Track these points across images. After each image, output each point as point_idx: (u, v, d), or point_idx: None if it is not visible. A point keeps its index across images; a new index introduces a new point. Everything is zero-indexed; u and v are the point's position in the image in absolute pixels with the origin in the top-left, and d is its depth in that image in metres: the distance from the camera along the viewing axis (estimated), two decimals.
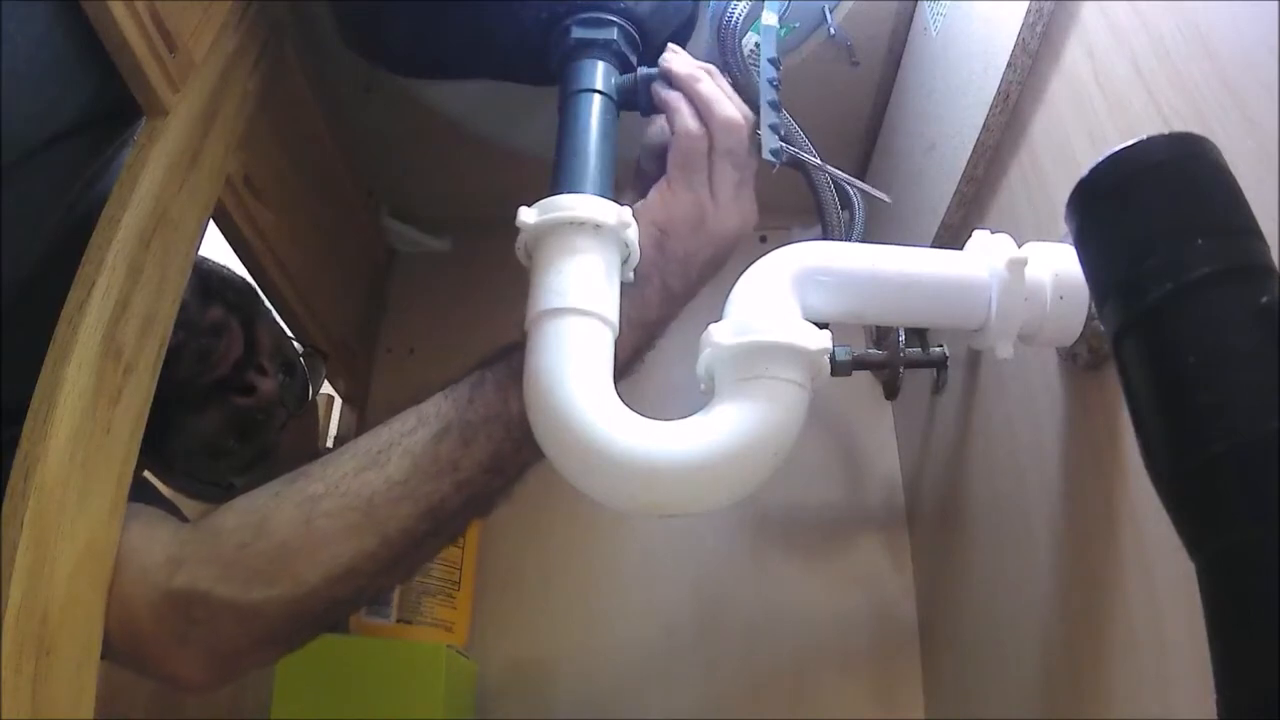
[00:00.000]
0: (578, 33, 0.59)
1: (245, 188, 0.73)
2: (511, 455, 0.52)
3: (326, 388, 0.94)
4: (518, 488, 0.55)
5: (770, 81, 0.59)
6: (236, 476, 0.78)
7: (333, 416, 1.05)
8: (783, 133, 0.59)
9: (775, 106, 0.59)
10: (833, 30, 0.81)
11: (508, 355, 0.54)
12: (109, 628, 0.49)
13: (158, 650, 0.50)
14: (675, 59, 0.57)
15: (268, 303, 0.83)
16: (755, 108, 0.59)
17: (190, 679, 0.51)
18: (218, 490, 0.76)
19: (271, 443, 0.78)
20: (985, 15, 0.64)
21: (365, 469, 0.51)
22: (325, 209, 0.92)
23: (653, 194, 0.56)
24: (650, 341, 0.57)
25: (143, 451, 0.53)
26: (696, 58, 0.59)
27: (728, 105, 0.56)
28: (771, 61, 0.60)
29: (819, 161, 0.61)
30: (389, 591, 0.82)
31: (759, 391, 0.46)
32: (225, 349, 0.73)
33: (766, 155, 0.58)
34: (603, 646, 0.91)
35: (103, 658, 0.50)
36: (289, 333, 0.85)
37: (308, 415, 0.89)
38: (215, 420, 0.73)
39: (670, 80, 0.57)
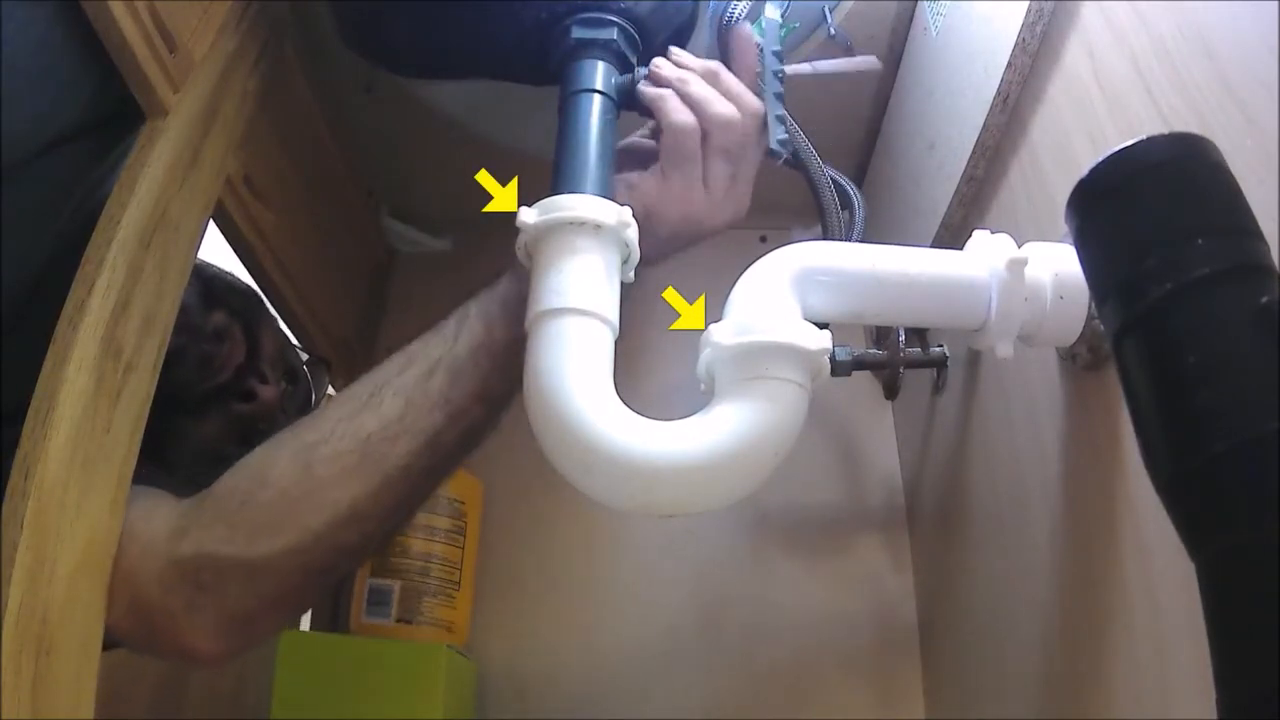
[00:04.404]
0: (578, 33, 0.59)
1: (245, 188, 0.73)
2: (499, 383, 0.53)
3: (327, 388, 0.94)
4: (507, 421, 0.56)
5: (775, 74, 0.60)
6: None
7: None
8: (788, 124, 0.59)
9: (780, 99, 0.59)
10: (832, 30, 0.81)
11: (491, 289, 0.56)
12: (116, 610, 0.49)
13: (168, 623, 0.50)
14: (665, 63, 0.58)
15: (269, 305, 0.82)
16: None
17: (202, 649, 0.51)
18: None
19: None
20: (985, 15, 0.64)
21: (359, 412, 0.52)
22: (325, 209, 0.92)
23: (648, 176, 0.56)
24: None
25: (144, 456, 0.53)
26: (697, 57, 0.60)
27: (721, 103, 0.56)
28: (775, 54, 0.60)
29: (814, 157, 0.61)
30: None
31: (759, 391, 0.46)
32: (227, 355, 0.73)
33: (773, 145, 0.58)
34: (603, 646, 0.92)
35: (112, 645, 0.50)
36: (293, 340, 0.85)
37: None
38: (216, 426, 0.73)
39: (657, 80, 0.57)
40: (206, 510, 0.52)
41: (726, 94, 0.57)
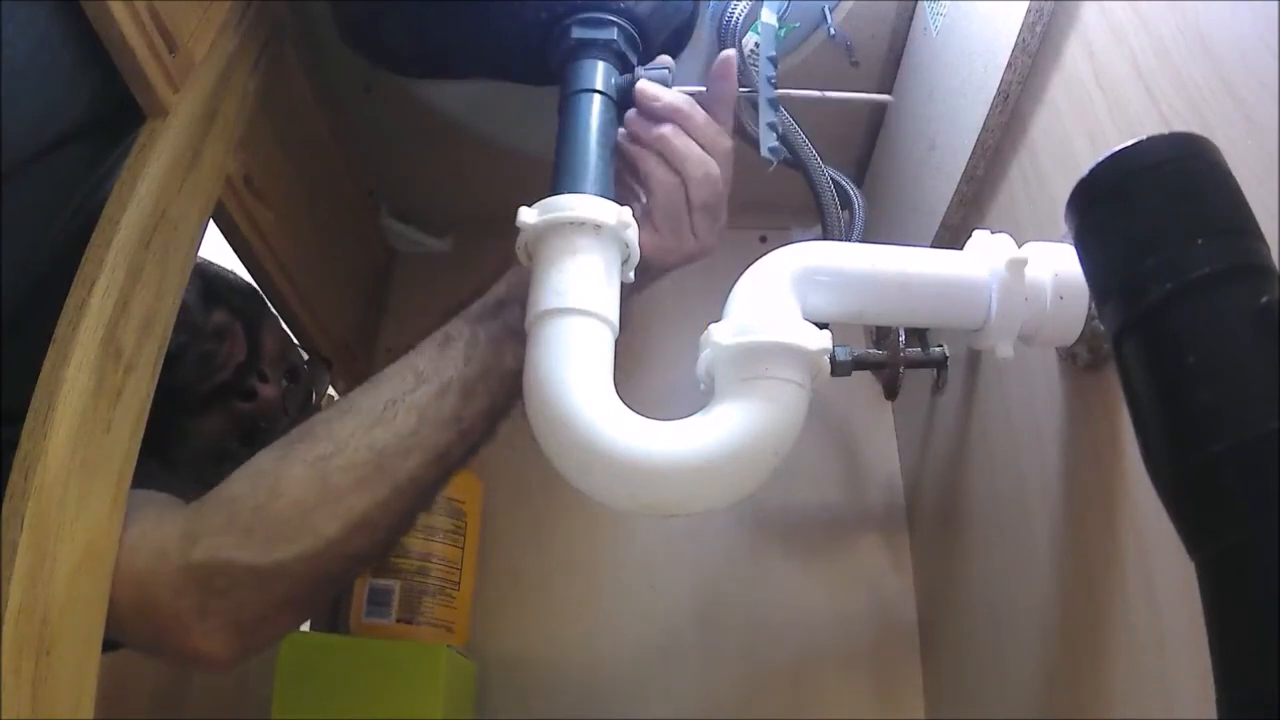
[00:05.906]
0: (578, 32, 0.59)
1: (245, 188, 0.73)
2: (506, 404, 0.57)
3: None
4: (506, 421, 0.58)
5: (769, 80, 0.60)
6: None
7: None
8: (780, 130, 0.59)
9: (773, 105, 0.59)
10: (832, 30, 0.81)
11: (499, 311, 0.57)
12: (124, 613, 0.49)
13: (177, 627, 0.51)
14: (640, 122, 0.57)
15: (270, 305, 0.83)
16: (755, 105, 0.59)
17: (211, 653, 0.51)
18: None
19: None
20: (985, 15, 0.64)
21: (373, 426, 0.54)
22: (325, 209, 0.92)
23: (641, 233, 0.56)
24: None
25: (146, 454, 0.53)
26: (697, 58, 0.59)
27: (697, 160, 0.56)
28: (770, 60, 0.60)
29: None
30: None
31: (759, 391, 0.46)
32: (228, 353, 0.73)
33: (765, 154, 0.58)
34: (603, 646, 0.92)
35: (117, 646, 0.50)
36: (294, 339, 0.85)
37: None
38: (217, 424, 0.73)
39: (637, 138, 0.57)
40: (217, 516, 0.52)
41: (699, 138, 0.57)
